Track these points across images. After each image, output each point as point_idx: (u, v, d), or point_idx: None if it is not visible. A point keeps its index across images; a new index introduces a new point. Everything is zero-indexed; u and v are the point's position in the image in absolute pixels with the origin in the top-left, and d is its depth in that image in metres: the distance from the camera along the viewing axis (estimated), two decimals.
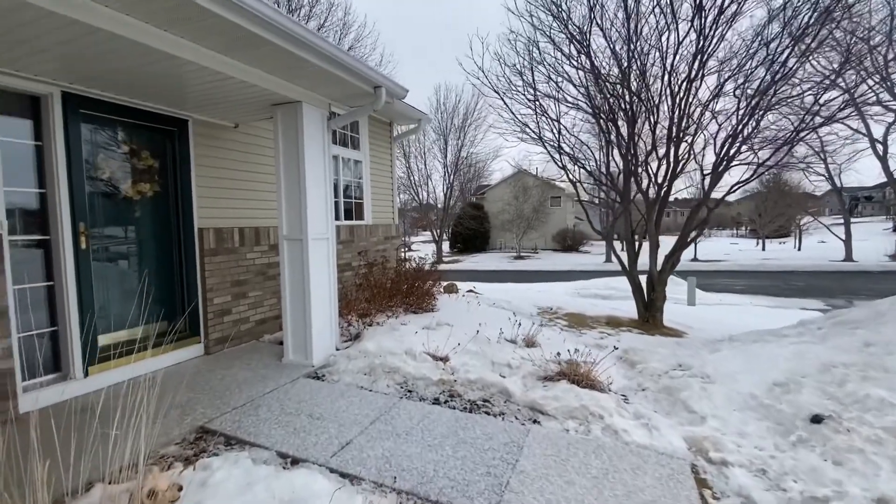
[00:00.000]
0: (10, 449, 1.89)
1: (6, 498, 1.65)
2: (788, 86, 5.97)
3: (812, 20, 5.38)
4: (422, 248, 29.52)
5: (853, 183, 27.55)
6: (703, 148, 6.36)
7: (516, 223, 30.90)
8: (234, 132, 4.65)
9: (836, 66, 6.37)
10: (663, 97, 6.17)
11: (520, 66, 6.78)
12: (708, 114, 6.07)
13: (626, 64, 6.08)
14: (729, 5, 5.49)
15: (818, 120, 5.82)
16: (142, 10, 2.37)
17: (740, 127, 5.77)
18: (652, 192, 6.70)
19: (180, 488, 1.84)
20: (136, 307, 3.82)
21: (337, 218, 6.04)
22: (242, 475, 2.24)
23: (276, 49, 2.87)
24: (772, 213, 30.80)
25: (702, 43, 5.64)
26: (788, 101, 6.08)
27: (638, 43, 6.00)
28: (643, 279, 6.89)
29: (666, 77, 5.99)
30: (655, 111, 6.26)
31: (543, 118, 6.86)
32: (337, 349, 4.29)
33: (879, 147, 15.78)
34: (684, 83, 5.90)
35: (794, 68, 5.62)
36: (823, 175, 21.22)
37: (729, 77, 5.81)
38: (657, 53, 6.04)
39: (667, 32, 5.92)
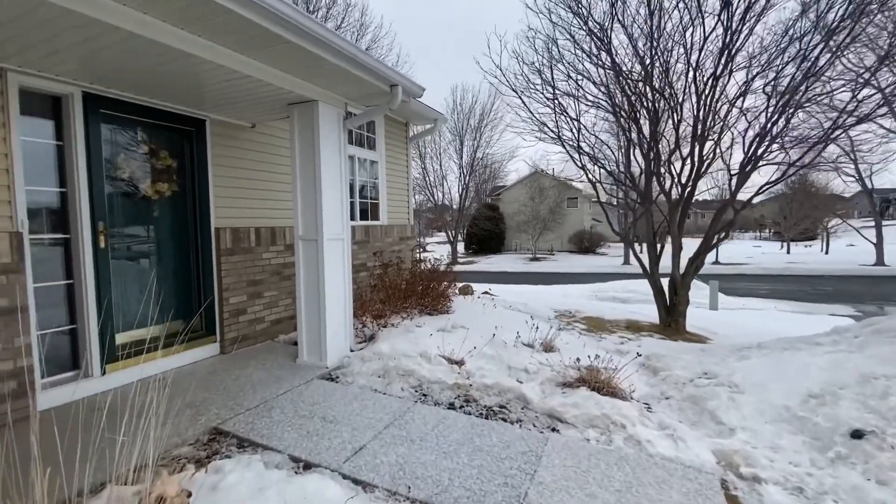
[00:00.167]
0: (28, 447, 1.88)
1: (15, 498, 1.64)
2: (819, 83, 5.72)
3: (847, 13, 5.14)
4: (437, 249, 29.53)
5: (885, 184, 26.51)
6: (730, 147, 6.14)
7: (532, 224, 30.62)
8: (251, 132, 4.66)
9: (868, 62, 6.08)
10: (687, 94, 5.98)
11: (538, 63, 6.66)
12: (735, 111, 5.86)
13: (648, 61, 5.91)
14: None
15: (851, 119, 5.55)
16: (158, 8, 2.35)
17: (769, 125, 5.55)
18: (675, 193, 6.50)
19: (189, 494, 1.80)
20: (152, 306, 3.85)
21: (352, 218, 6.02)
22: (254, 479, 2.20)
23: (292, 47, 2.84)
24: (797, 215, 29.84)
25: (729, 38, 5.44)
26: (820, 98, 5.82)
27: (661, 39, 5.82)
28: (664, 282, 6.69)
29: (690, 73, 5.80)
30: (679, 109, 6.07)
31: (562, 117, 6.73)
32: (351, 350, 4.25)
33: None
34: (710, 80, 5.70)
35: (827, 64, 5.38)
36: (853, 176, 20.47)
37: (758, 73, 5.59)
38: (681, 50, 5.85)
39: (691, 28, 5.73)
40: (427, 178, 30.27)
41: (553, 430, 2.94)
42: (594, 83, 6.55)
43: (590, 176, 7.14)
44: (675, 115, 6.10)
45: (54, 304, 3.20)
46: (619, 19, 5.94)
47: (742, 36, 5.47)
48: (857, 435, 2.66)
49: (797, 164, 5.99)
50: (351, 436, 2.75)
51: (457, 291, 6.68)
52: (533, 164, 31.52)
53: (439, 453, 2.58)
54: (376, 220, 6.65)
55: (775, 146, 5.72)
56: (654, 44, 5.84)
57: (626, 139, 6.96)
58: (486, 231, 34.22)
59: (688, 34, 5.76)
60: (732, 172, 6.06)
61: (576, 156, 6.93)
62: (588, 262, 27.30)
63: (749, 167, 5.86)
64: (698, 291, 11.38)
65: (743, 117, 5.79)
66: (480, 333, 4.47)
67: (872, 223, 23.56)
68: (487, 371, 3.74)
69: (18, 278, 2.82)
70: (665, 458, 2.60)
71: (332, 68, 3.25)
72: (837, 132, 5.66)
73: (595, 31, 6.07)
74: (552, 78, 6.54)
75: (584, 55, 6.39)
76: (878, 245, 22.56)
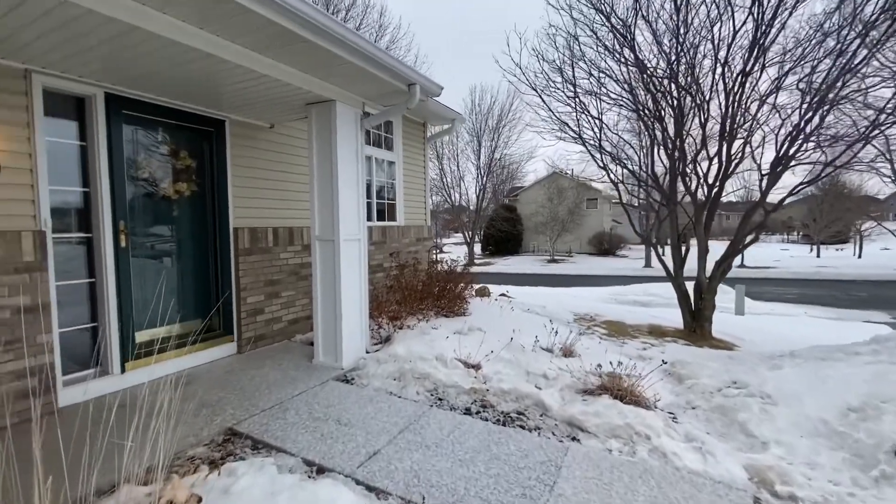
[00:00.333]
0: (46, 443, 1.89)
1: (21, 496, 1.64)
2: (856, 79, 5.44)
3: (887, 5, 4.86)
4: (453, 250, 29.45)
5: None
6: (759, 146, 5.89)
7: (550, 226, 30.26)
8: (269, 132, 4.67)
9: None
10: (715, 91, 5.76)
11: (559, 61, 6.52)
12: (765, 108, 5.61)
13: (674, 57, 5.72)
14: None
15: (892, 118, 5.25)
16: (178, 8, 2.35)
17: (803, 123, 5.30)
18: (700, 194, 6.28)
19: (200, 500, 1.77)
20: (171, 305, 3.88)
21: (369, 219, 5.99)
22: (267, 483, 2.16)
23: (310, 45, 2.81)
24: (828, 217, 28.72)
25: (760, 32, 5.22)
26: (856, 95, 5.53)
27: (687, 35, 5.63)
28: (689, 286, 6.46)
29: (718, 69, 5.59)
30: (706, 106, 5.85)
31: (583, 115, 6.57)
32: (367, 352, 4.21)
33: None
34: (739, 76, 5.48)
35: (864, 61, 5.09)
36: (890, 176, 19.56)
37: (790, 69, 5.34)
38: (709, 45, 5.64)
39: (719, 23, 5.52)
40: (444, 179, 30.26)
41: (573, 439, 2.83)
42: (616, 81, 6.38)
43: (612, 176, 6.96)
44: (701, 112, 5.88)
45: (75, 302, 3.24)
46: (643, 15, 5.77)
47: (774, 30, 5.23)
48: None
49: (833, 163, 5.70)
50: (365, 440, 2.70)
51: (473, 293, 6.59)
52: (552, 164, 31.13)
53: (455, 461, 2.50)
54: (393, 220, 6.62)
55: (810, 145, 5.46)
56: (680, 39, 5.65)
57: (650, 138, 6.76)
58: (503, 232, 34.00)
59: (715, 29, 5.56)
60: (763, 172, 5.81)
61: (597, 155, 6.76)
62: (608, 265, 26.82)
63: (781, 167, 5.60)
64: (723, 296, 10.99)
65: (777, 114, 5.54)
66: (497, 336, 4.38)
67: None
68: (505, 376, 3.65)
69: (41, 276, 2.87)
70: (692, 472, 2.47)
71: (349, 67, 3.22)
72: (875, 132, 5.36)
73: (618, 27, 5.91)
74: (574, 76, 6.40)
75: (606, 52, 6.23)
76: None
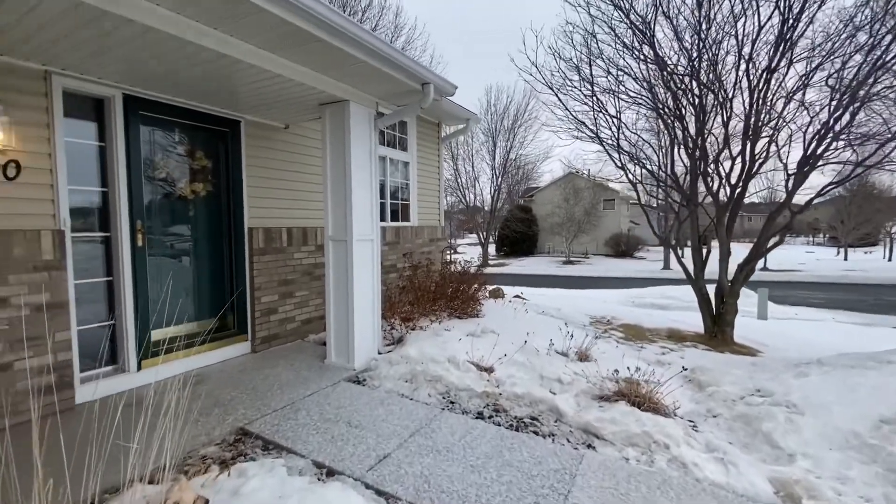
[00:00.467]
0: (58, 440, 1.90)
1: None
2: (889, 74, 5.19)
3: None
4: (467, 251, 29.38)
5: None
6: (785, 144, 5.68)
7: (566, 226, 29.91)
8: (283, 133, 4.69)
9: None
10: (738, 89, 5.57)
11: (576, 59, 6.41)
12: (792, 105, 5.40)
13: (695, 54, 5.55)
14: None
15: None
16: (193, 8, 2.35)
17: (832, 121, 5.08)
18: (722, 195, 6.09)
19: (206, 502, 1.75)
20: (187, 304, 3.92)
21: (383, 219, 5.98)
22: (276, 485, 2.14)
23: (324, 45, 2.79)
24: (856, 218, 27.75)
25: (787, 27, 5.03)
26: (891, 91, 5.28)
27: (710, 31, 5.46)
28: (710, 289, 6.27)
29: (742, 66, 5.41)
30: (729, 104, 5.67)
31: (601, 114, 6.44)
32: (379, 353, 4.19)
33: None
34: (764, 73, 5.29)
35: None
36: None
37: (819, 64, 5.13)
38: (732, 41, 5.46)
39: (743, 18, 5.34)
40: (459, 180, 30.17)
41: (588, 446, 2.75)
42: (635, 79, 6.23)
43: (630, 176, 6.81)
44: (724, 110, 5.70)
45: (93, 300, 3.29)
46: (663, 11, 5.62)
47: (801, 24, 5.03)
48: None
49: (864, 163, 5.45)
50: (376, 443, 2.67)
51: (487, 294, 6.51)
52: (568, 163, 30.81)
53: (466, 466, 2.45)
54: (407, 221, 6.59)
55: (840, 143, 5.24)
56: (702, 36, 5.48)
57: (670, 137, 6.58)
58: (518, 233, 33.74)
59: (739, 24, 5.38)
60: (790, 172, 5.59)
61: (615, 155, 6.61)
62: (625, 267, 26.38)
63: (808, 167, 5.39)
64: (746, 299, 10.66)
65: (804, 112, 5.32)
66: (511, 339, 4.30)
67: None
68: (518, 380, 3.58)
69: (60, 275, 2.91)
70: (714, 483, 2.37)
71: (364, 66, 3.20)
72: None
73: (637, 23, 5.77)
74: (591, 74, 6.27)
75: (624, 49, 6.09)
76: None
